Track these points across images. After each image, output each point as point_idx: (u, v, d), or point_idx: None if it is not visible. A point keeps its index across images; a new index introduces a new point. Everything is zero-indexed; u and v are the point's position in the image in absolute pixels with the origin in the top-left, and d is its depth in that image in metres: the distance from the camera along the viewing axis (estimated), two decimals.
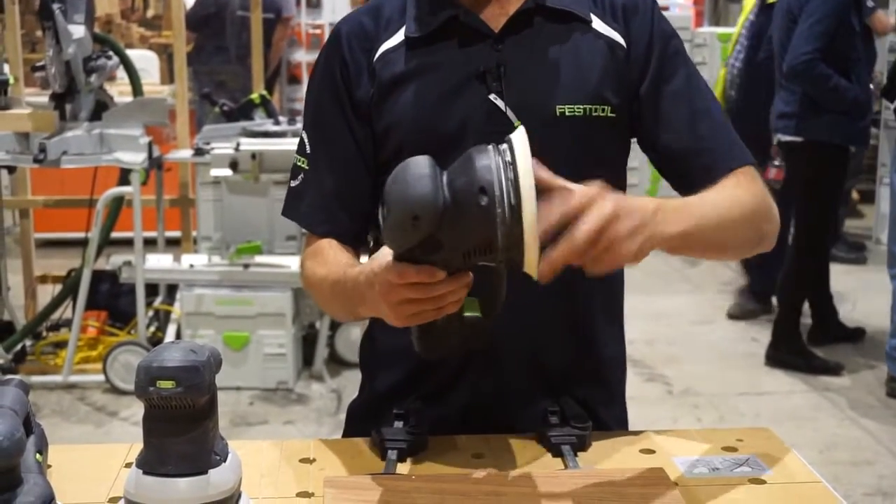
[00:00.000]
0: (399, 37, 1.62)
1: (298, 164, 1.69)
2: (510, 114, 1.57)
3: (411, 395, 1.64)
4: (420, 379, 1.66)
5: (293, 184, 1.70)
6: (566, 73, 1.59)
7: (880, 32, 5.15)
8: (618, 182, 1.65)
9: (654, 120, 1.63)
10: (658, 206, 1.37)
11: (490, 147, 1.27)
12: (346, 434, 1.76)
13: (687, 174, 1.63)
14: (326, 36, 7.30)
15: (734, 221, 1.54)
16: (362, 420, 1.72)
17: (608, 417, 1.71)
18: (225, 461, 1.25)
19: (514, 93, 1.58)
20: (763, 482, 1.46)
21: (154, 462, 1.22)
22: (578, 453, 1.53)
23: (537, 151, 1.56)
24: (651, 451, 1.55)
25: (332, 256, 1.61)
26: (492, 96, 1.57)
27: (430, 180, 1.24)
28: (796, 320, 5.15)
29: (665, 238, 1.37)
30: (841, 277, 6.77)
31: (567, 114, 1.58)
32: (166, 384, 1.18)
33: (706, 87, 1.68)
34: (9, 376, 1.39)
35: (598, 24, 1.62)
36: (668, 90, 1.63)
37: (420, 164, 1.27)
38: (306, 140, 1.68)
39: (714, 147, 1.63)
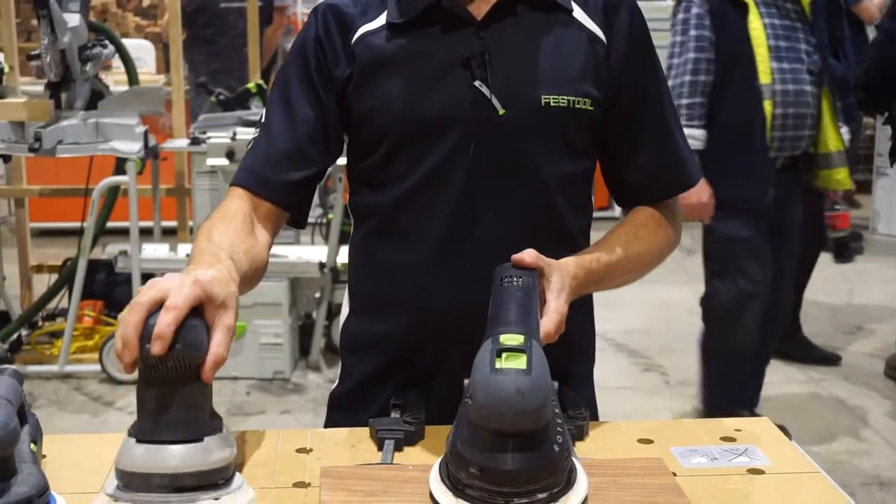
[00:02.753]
0: (380, 20, 1.61)
1: (252, 137, 1.68)
2: (495, 101, 1.56)
3: (393, 383, 1.64)
4: (398, 368, 1.66)
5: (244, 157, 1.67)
6: (550, 63, 1.60)
7: (867, 21, 5.15)
8: (591, 171, 1.71)
9: (622, 132, 1.68)
10: (581, 283, 1.52)
11: None
12: (328, 422, 1.75)
13: (631, 188, 1.73)
14: None
15: (643, 269, 1.70)
16: (343, 408, 1.72)
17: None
18: (221, 431, 1.23)
19: (498, 80, 1.57)
20: (761, 472, 1.45)
21: (148, 430, 1.19)
22: (576, 443, 1.52)
23: (523, 139, 1.58)
24: (649, 441, 1.55)
25: (221, 230, 1.50)
26: (477, 83, 1.57)
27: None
28: (795, 309, 5.15)
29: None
30: (838, 266, 6.77)
31: (552, 104, 1.58)
32: None
33: (671, 101, 1.74)
34: (3, 366, 1.38)
35: (579, 13, 1.63)
36: (640, 104, 1.68)
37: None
38: (265, 113, 1.67)
39: (667, 170, 1.71)
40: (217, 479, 1.22)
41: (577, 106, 1.59)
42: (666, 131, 1.71)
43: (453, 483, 1.24)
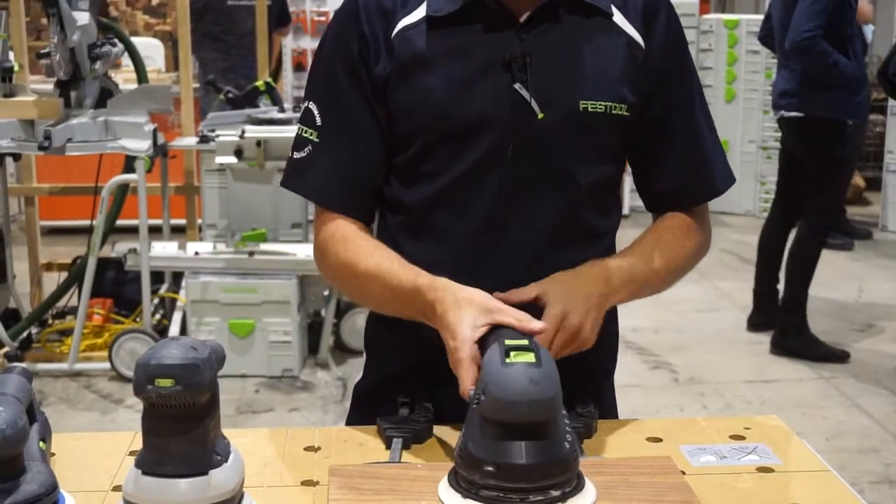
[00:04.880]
0: (419, 13, 1.59)
1: (305, 135, 1.64)
2: (535, 105, 1.55)
3: (416, 378, 1.63)
4: (425, 363, 1.65)
5: (297, 155, 1.64)
6: (589, 68, 1.59)
7: (863, 22, 5.16)
8: (621, 175, 1.71)
9: (651, 136, 1.67)
10: (607, 292, 1.54)
11: None
12: (353, 415, 1.75)
13: (659, 193, 1.72)
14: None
15: (669, 277, 1.67)
16: (368, 402, 1.72)
17: (604, 405, 1.70)
18: (227, 461, 1.23)
19: (538, 84, 1.56)
20: (771, 470, 1.45)
21: (153, 462, 1.20)
22: (584, 441, 1.52)
23: (559, 144, 1.57)
24: (658, 440, 1.54)
25: (373, 248, 1.60)
26: (517, 86, 1.56)
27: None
28: (802, 305, 5.14)
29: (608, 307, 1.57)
30: (848, 264, 6.77)
31: (590, 110, 1.57)
32: (165, 382, 1.16)
33: (704, 107, 1.72)
34: (12, 364, 1.38)
35: (619, 18, 1.62)
36: (671, 108, 1.66)
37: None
38: (315, 111, 1.63)
39: (695, 176, 1.70)
40: None
41: (613, 112, 1.58)
42: (695, 137, 1.69)
43: (465, 488, 1.24)
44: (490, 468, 1.21)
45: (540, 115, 1.55)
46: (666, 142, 1.67)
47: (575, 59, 1.59)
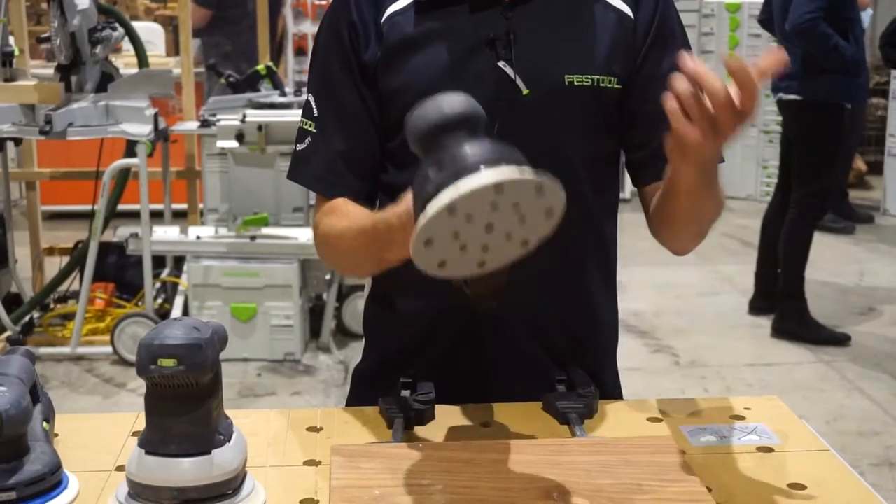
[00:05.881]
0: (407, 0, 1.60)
1: (305, 126, 1.66)
2: (519, 81, 1.56)
3: (415, 360, 1.64)
4: (423, 345, 1.65)
5: (299, 147, 1.68)
6: (575, 43, 1.59)
7: (862, 7, 5.16)
8: (618, 151, 1.69)
9: (638, 102, 1.63)
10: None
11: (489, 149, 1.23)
12: (352, 397, 1.76)
13: (631, 162, 1.67)
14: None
15: (718, 208, 1.55)
16: (368, 384, 1.72)
17: (606, 384, 1.71)
18: (229, 441, 1.24)
19: (523, 61, 1.57)
20: (771, 450, 1.45)
21: (156, 442, 1.20)
22: (585, 421, 1.53)
23: (547, 119, 1.57)
24: (659, 420, 1.55)
25: (353, 209, 1.60)
26: (501, 63, 1.56)
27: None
28: (801, 288, 5.14)
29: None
30: (849, 247, 6.77)
31: (575, 83, 1.57)
32: (168, 362, 1.17)
33: None
34: (16, 346, 1.39)
35: None
36: (657, 73, 1.61)
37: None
38: (313, 103, 1.66)
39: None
40: (225, 489, 1.23)
41: (601, 85, 1.58)
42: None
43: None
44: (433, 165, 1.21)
45: (525, 92, 1.56)
46: (647, 111, 1.59)
47: (560, 35, 1.59)
